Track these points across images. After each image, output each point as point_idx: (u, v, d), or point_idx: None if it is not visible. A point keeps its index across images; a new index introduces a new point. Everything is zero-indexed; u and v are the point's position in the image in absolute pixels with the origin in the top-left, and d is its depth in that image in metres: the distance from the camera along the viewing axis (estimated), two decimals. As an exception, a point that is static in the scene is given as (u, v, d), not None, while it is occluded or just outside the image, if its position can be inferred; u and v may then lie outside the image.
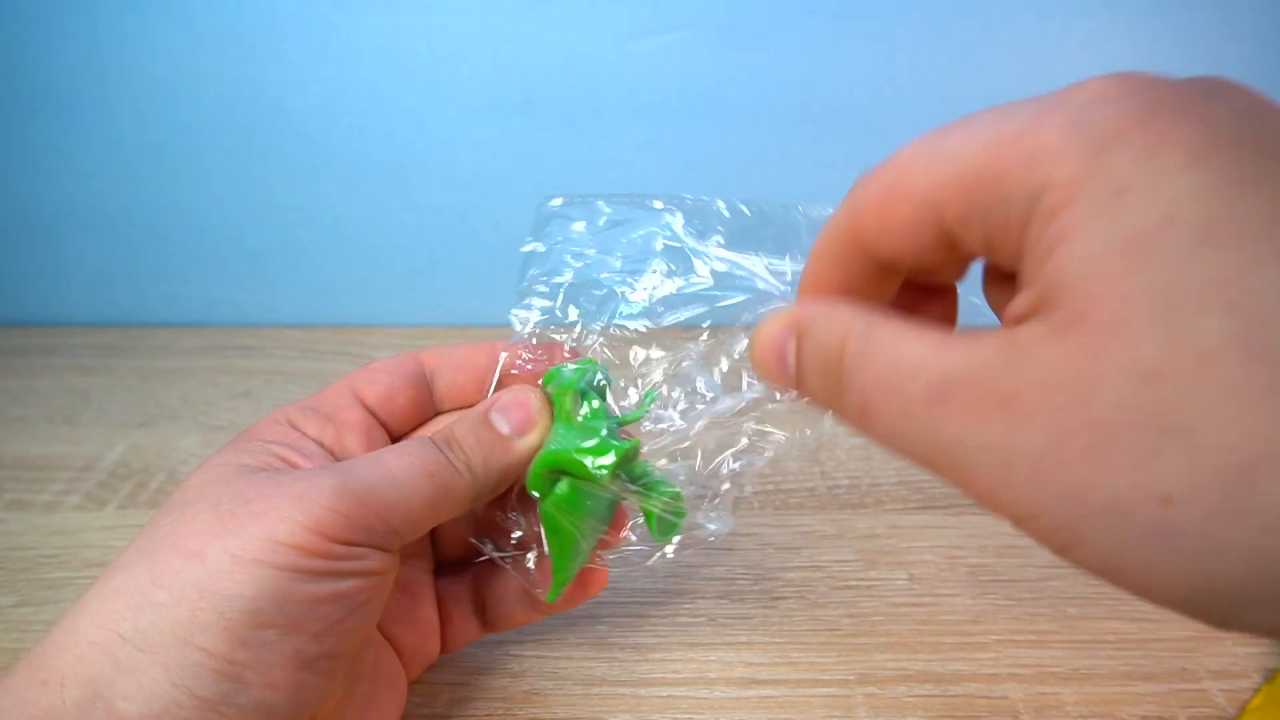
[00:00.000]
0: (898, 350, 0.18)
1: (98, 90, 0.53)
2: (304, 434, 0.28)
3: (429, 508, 0.25)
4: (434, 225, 0.57)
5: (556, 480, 0.27)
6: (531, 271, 0.30)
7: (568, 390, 0.28)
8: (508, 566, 0.30)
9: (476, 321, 0.59)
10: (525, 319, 0.30)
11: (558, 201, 0.30)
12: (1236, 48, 0.51)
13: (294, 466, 0.26)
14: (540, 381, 0.29)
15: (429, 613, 0.31)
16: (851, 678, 0.32)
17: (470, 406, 0.29)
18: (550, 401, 0.28)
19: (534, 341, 0.29)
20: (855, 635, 0.34)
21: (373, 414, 0.29)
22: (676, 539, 0.29)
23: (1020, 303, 0.17)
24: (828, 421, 0.24)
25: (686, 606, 0.36)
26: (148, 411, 0.50)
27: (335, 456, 0.28)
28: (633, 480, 0.28)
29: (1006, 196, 0.17)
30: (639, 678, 0.33)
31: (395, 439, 0.30)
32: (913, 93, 0.52)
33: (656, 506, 0.28)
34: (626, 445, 0.27)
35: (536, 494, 0.27)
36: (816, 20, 0.50)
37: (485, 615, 0.32)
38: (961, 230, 0.19)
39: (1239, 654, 0.34)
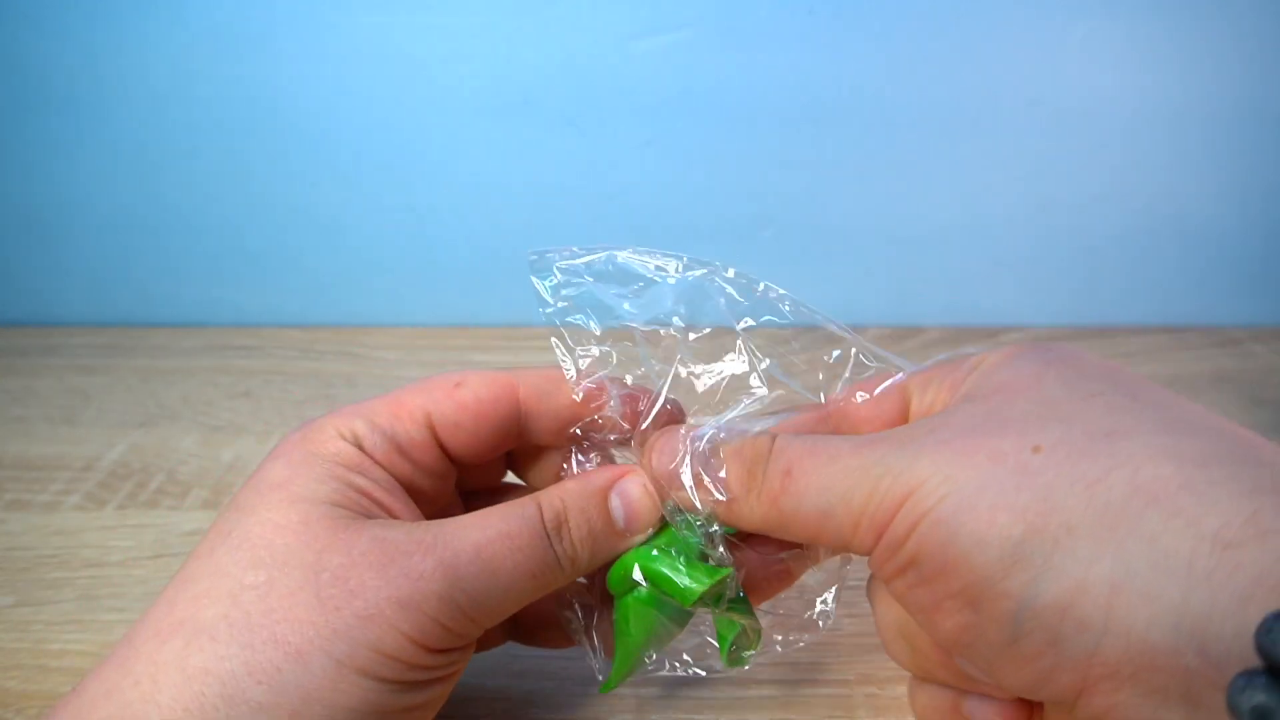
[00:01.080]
0: (827, 436, 0.24)
1: (97, 90, 0.53)
2: (375, 461, 0.25)
3: (525, 603, 0.25)
4: (434, 225, 0.57)
5: (637, 583, 0.26)
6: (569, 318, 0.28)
7: None
8: (579, 642, 0.29)
9: (476, 321, 0.59)
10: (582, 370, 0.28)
11: (567, 262, 0.28)
12: (1236, 48, 0.51)
13: (381, 512, 0.24)
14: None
15: None
16: (851, 678, 0.32)
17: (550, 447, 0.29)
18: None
19: (608, 386, 0.28)
20: (855, 635, 0.34)
21: (445, 450, 0.27)
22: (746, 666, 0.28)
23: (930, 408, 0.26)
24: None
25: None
26: (148, 411, 0.50)
27: (412, 499, 0.26)
28: (715, 604, 0.26)
29: (957, 371, 0.26)
30: (639, 678, 0.33)
31: (463, 473, 0.29)
32: (913, 93, 0.52)
33: (731, 635, 0.27)
34: (721, 574, 0.25)
35: (614, 591, 0.26)
36: (816, 20, 0.50)
37: (515, 625, 0.30)
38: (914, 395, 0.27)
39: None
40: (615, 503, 0.26)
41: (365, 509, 0.24)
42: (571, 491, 0.26)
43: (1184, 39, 0.51)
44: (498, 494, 0.31)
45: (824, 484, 0.22)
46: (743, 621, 0.27)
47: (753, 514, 0.24)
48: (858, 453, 0.22)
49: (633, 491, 0.26)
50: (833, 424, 0.27)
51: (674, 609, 0.26)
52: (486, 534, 0.24)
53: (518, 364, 0.54)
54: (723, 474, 0.25)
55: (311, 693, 0.21)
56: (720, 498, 0.25)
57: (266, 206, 0.57)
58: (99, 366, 0.55)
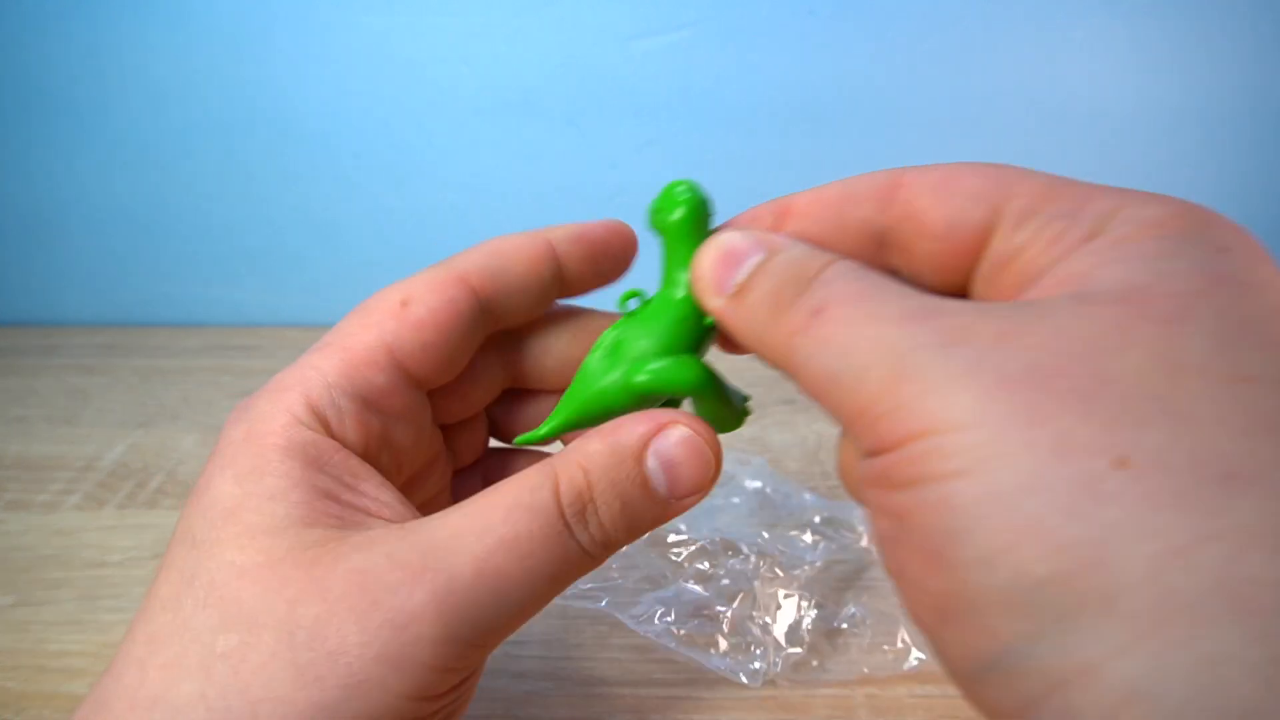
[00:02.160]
0: (887, 281, 0.18)
1: (97, 90, 0.53)
2: (338, 437, 0.21)
3: (540, 607, 0.20)
4: (434, 225, 0.57)
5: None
6: None
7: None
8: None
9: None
10: None
11: None
12: (1236, 48, 0.51)
13: (355, 513, 0.20)
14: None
15: None
16: (851, 678, 0.32)
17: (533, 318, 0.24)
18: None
19: None
20: (855, 635, 0.34)
21: (418, 383, 0.23)
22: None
23: (1033, 294, 0.17)
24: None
25: (686, 606, 0.36)
26: (147, 411, 0.50)
27: (390, 458, 0.22)
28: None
29: (1079, 214, 0.17)
30: (639, 678, 0.33)
31: (436, 399, 0.24)
32: (912, 93, 0.52)
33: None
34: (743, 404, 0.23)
35: None
36: (816, 20, 0.50)
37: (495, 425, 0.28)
38: (1000, 222, 0.18)
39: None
40: (653, 465, 0.20)
41: (337, 517, 0.20)
42: (596, 457, 0.20)
43: (1184, 39, 0.51)
44: (477, 421, 0.27)
45: (848, 344, 0.16)
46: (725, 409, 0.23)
47: (758, 336, 0.19)
48: (901, 324, 0.16)
49: (676, 452, 0.20)
50: (890, 218, 0.20)
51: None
52: (486, 543, 0.19)
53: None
54: (743, 273, 0.19)
55: None
56: (719, 299, 0.20)
57: (266, 206, 0.57)
58: (99, 366, 0.55)
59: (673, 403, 0.23)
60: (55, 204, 0.57)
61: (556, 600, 0.36)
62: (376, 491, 0.21)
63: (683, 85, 0.52)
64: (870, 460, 0.16)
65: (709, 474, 0.20)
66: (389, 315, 0.22)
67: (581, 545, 0.20)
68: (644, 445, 0.20)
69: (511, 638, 0.34)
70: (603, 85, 0.52)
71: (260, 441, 0.20)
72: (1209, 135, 0.54)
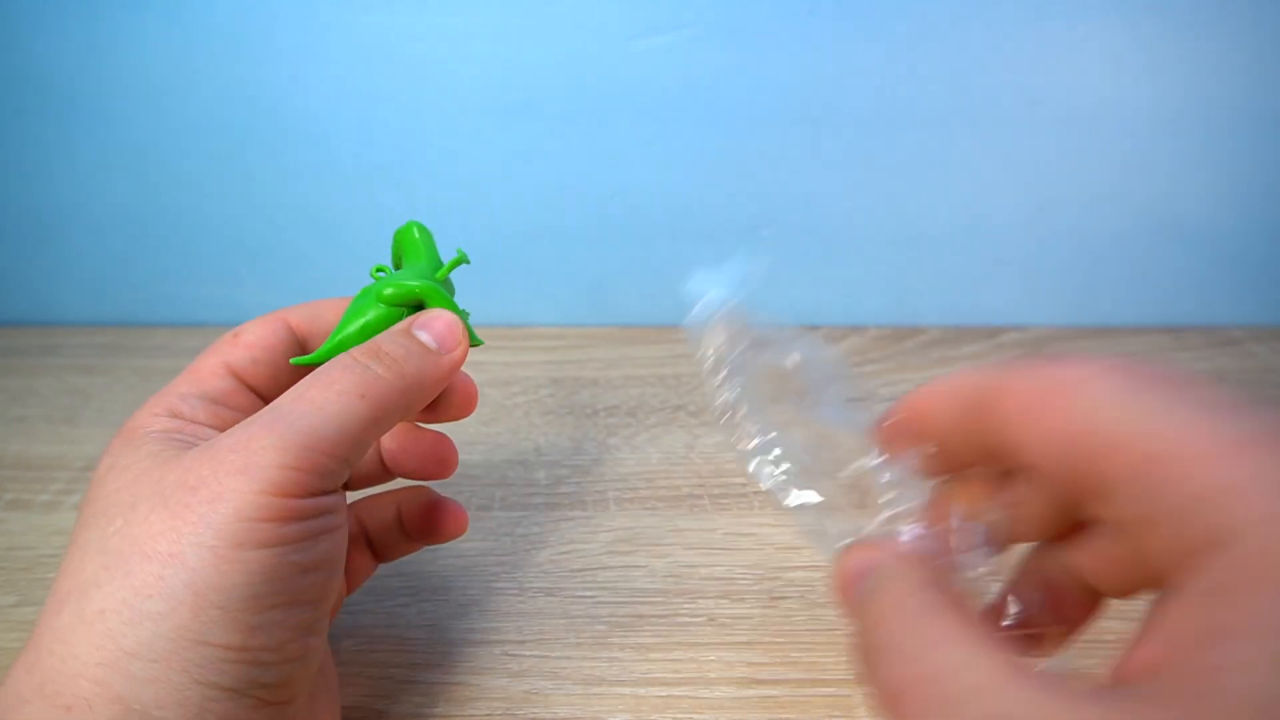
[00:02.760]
0: (951, 659, 0.17)
1: (96, 90, 0.53)
2: (200, 425, 0.27)
3: (370, 426, 0.25)
4: (434, 225, 0.57)
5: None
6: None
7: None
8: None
9: (476, 321, 0.59)
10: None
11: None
12: (1236, 48, 0.51)
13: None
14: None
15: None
16: (852, 677, 0.32)
17: None
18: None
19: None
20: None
21: (255, 392, 0.29)
22: None
23: (1138, 662, 0.16)
24: None
25: (686, 606, 0.36)
26: (147, 411, 0.50)
27: None
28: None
29: (1177, 497, 0.16)
30: (639, 678, 0.33)
31: None
32: (913, 93, 0.52)
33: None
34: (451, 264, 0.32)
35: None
36: (816, 20, 0.50)
37: (373, 547, 0.33)
38: (1099, 487, 0.18)
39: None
40: (423, 335, 0.27)
41: (189, 440, 0.25)
42: (380, 336, 0.27)
43: (1184, 39, 0.51)
44: None
45: None
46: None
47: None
48: None
49: (436, 324, 0.28)
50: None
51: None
52: (301, 388, 0.25)
53: (520, 363, 0.54)
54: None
55: (198, 585, 0.21)
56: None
57: (266, 206, 0.57)
58: (99, 366, 0.55)
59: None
60: (55, 204, 0.57)
61: (557, 598, 0.36)
62: (209, 435, 0.26)
63: (683, 85, 0.52)
64: None
65: (464, 337, 0.28)
66: (225, 343, 0.29)
67: (380, 374, 0.25)
68: (409, 325, 0.28)
69: (511, 637, 0.34)
70: (603, 85, 0.52)
71: (131, 431, 0.26)
72: (1209, 135, 0.54)
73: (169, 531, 0.22)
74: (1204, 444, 0.16)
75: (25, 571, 0.38)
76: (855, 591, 0.21)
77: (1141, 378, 0.18)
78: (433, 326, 0.28)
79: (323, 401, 0.24)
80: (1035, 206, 0.56)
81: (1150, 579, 0.18)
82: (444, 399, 0.30)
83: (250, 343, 0.29)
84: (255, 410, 0.27)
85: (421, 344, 0.27)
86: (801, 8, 0.50)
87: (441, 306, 0.29)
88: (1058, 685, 0.15)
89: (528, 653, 0.34)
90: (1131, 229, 0.57)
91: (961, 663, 0.16)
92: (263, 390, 0.29)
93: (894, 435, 0.24)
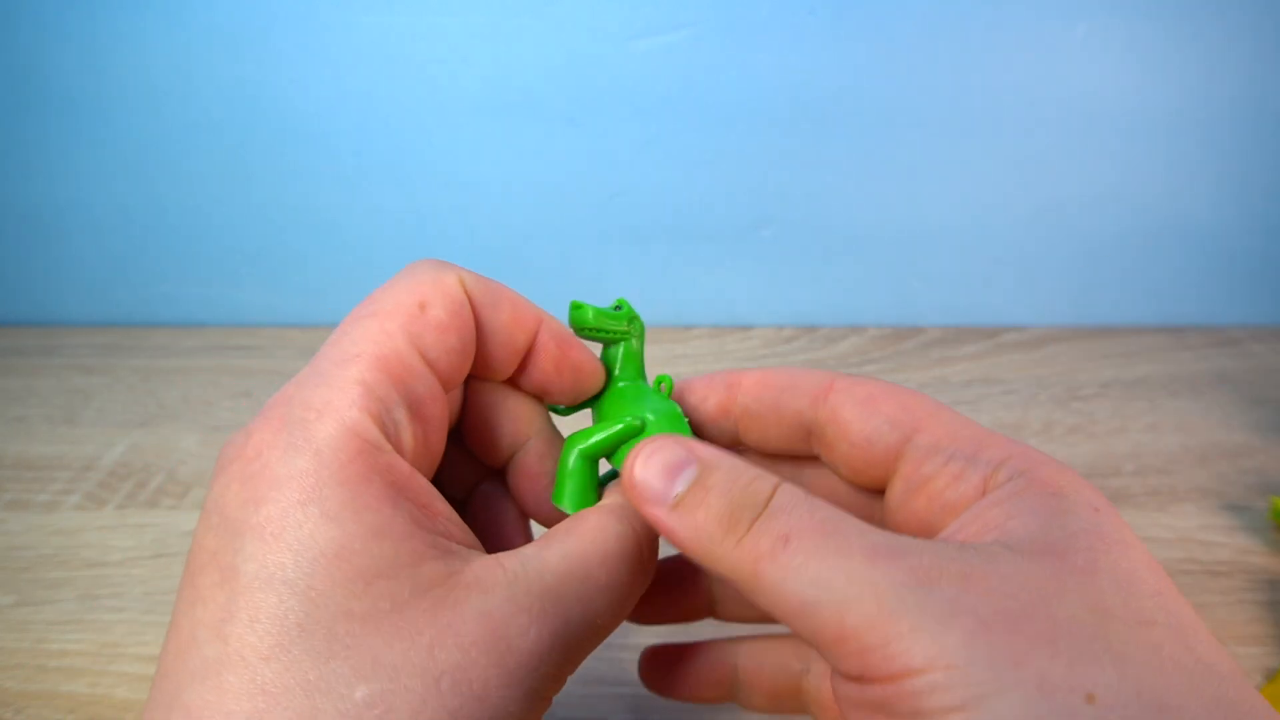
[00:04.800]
0: (840, 513, 0.19)
1: (96, 90, 0.53)
2: (404, 458, 0.20)
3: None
4: (434, 225, 0.57)
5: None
6: None
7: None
8: None
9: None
10: None
11: None
12: (1236, 48, 0.51)
13: (445, 540, 0.20)
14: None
15: None
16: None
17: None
18: None
19: None
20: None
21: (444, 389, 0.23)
22: None
23: (962, 537, 0.20)
24: None
25: (686, 606, 0.36)
26: (148, 411, 0.50)
27: (423, 461, 0.22)
28: None
29: (976, 458, 0.22)
30: (639, 677, 0.33)
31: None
32: (913, 93, 0.52)
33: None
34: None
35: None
36: (816, 20, 0.50)
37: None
38: (910, 451, 0.23)
39: (1240, 653, 0.34)
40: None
41: (433, 548, 0.19)
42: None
43: (1184, 39, 0.51)
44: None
45: (822, 576, 0.18)
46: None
47: (707, 551, 0.20)
48: (872, 562, 0.18)
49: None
50: (821, 416, 0.25)
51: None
52: (588, 589, 0.21)
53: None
54: (681, 485, 0.20)
55: None
56: (658, 509, 0.20)
57: (267, 206, 0.57)
58: (99, 366, 0.55)
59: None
60: (55, 204, 0.57)
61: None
62: (447, 512, 0.21)
63: (683, 85, 0.52)
64: (859, 686, 0.18)
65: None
66: (412, 319, 0.21)
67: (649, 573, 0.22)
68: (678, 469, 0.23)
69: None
70: (603, 85, 0.52)
71: (341, 471, 0.19)
72: (1209, 135, 0.54)
73: None
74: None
75: (25, 572, 0.38)
76: (677, 475, 0.20)
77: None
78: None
79: (602, 621, 0.21)
80: (1035, 206, 0.56)
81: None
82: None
83: (442, 322, 0.22)
84: (443, 425, 0.22)
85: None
86: (801, 8, 0.50)
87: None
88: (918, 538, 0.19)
89: (528, 653, 0.34)
90: (1131, 229, 0.57)
91: (851, 520, 0.19)
92: (451, 385, 0.23)
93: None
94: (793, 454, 0.27)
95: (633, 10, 0.50)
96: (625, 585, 0.21)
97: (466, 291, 0.23)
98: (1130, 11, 0.50)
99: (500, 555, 0.21)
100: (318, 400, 0.20)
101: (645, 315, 0.29)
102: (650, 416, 0.25)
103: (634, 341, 0.26)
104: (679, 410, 0.26)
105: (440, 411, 0.22)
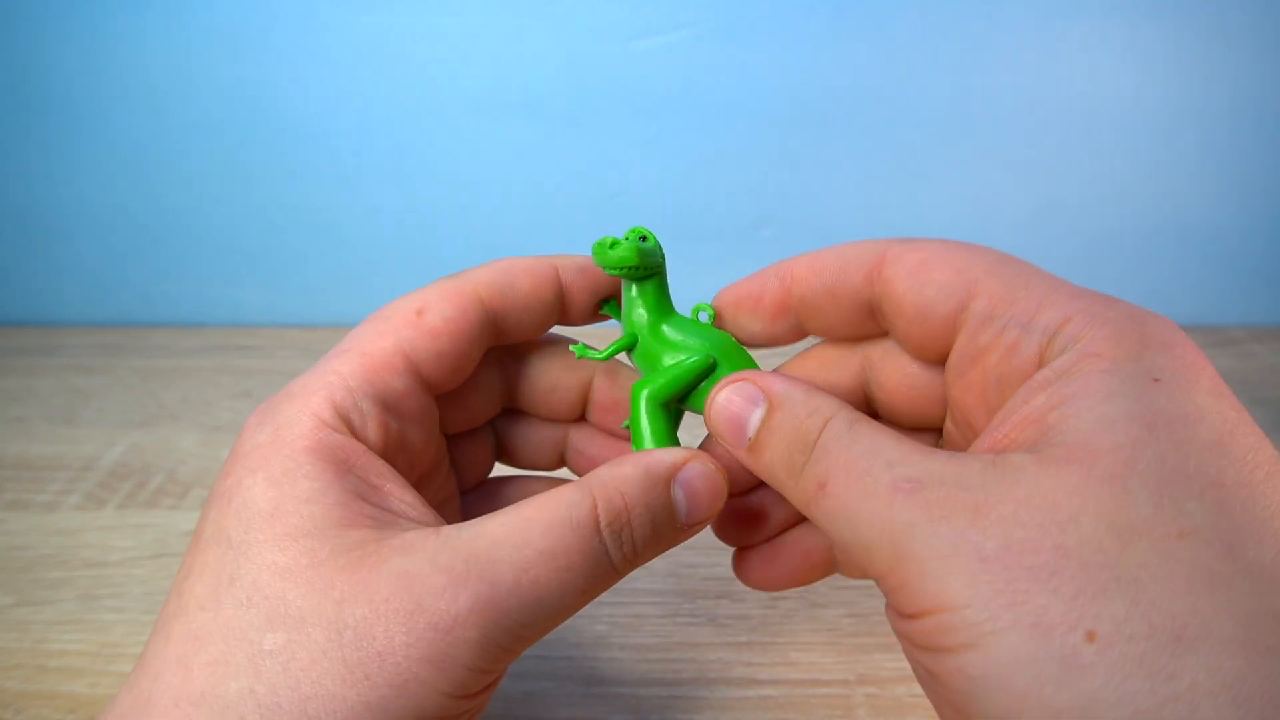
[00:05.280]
0: (876, 444, 0.19)
1: (96, 90, 0.53)
2: (363, 439, 0.22)
3: (568, 616, 0.21)
4: (434, 225, 0.57)
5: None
6: None
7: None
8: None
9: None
10: None
11: None
12: (1236, 48, 0.51)
13: (386, 514, 0.21)
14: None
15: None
16: (851, 678, 0.32)
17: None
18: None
19: None
20: (855, 635, 0.34)
21: (428, 387, 0.24)
22: None
23: (1001, 436, 0.19)
24: None
25: (687, 606, 0.36)
26: (147, 411, 0.50)
27: (404, 458, 0.23)
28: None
29: (1031, 325, 0.21)
30: (639, 678, 0.33)
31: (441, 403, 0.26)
32: (913, 93, 0.52)
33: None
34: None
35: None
36: (816, 20, 0.50)
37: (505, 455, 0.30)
38: (967, 320, 0.22)
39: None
40: (678, 494, 0.22)
41: (371, 519, 0.21)
42: (631, 481, 0.21)
43: (1184, 39, 0.51)
44: (481, 437, 0.29)
45: (852, 519, 0.19)
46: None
47: (782, 487, 0.21)
48: (891, 502, 0.18)
49: (698, 483, 0.22)
50: (877, 292, 0.23)
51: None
52: (526, 555, 0.20)
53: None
54: (751, 429, 0.22)
55: None
56: (740, 451, 0.22)
57: (266, 206, 0.57)
58: (99, 366, 0.55)
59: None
60: (55, 204, 0.57)
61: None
62: (400, 493, 0.22)
63: (683, 85, 0.52)
64: (899, 619, 0.19)
65: (719, 504, 0.23)
66: (406, 323, 0.23)
67: (613, 561, 0.21)
68: (673, 474, 0.22)
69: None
70: (603, 85, 0.52)
71: (290, 445, 0.21)
72: (1208, 135, 0.54)
73: (338, 703, 0.18)
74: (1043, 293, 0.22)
75: (24, 572, 0.38)
76: (747, 418, 0.22)
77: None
78: (695, 488, 0.22)
79: (543, 597, 0.20)
80: (1035, 206, 0.56)
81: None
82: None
83: (437, 329, 0.23)
84: (423, 415, 0.24)
85: (672, 514, 0.22)
86: (801, 8, 0.50)
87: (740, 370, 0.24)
88: (948, 454, 0.19)
89: (528, 653, 0.34)
90: (1131, 229, 0.57)
91: (883, 447, 0.19)
92: (437, 384, 0.24)
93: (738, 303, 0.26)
94: (864, 335, 0.25)
95: (633, 10, 0.50)
96: (572, 553, 0.20)
97: (479, 297, 0.24)
98: (1130, 11, 0.50)
99: (444, 526, 0.21)
100: (297, 388, 0.22)
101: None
102: (713, 353, 0.25)
103: (665, 272, 0.26)
104: (733, 340, 0.25)
105: (421, 408, 0.24)
